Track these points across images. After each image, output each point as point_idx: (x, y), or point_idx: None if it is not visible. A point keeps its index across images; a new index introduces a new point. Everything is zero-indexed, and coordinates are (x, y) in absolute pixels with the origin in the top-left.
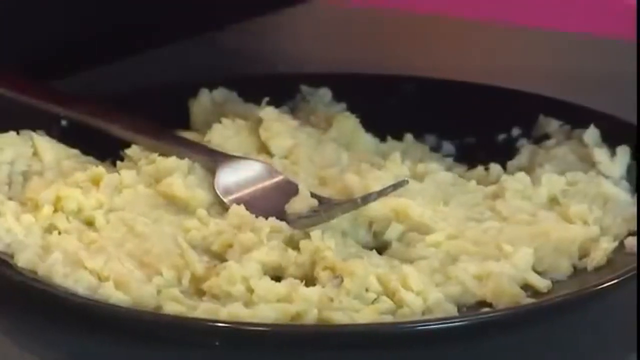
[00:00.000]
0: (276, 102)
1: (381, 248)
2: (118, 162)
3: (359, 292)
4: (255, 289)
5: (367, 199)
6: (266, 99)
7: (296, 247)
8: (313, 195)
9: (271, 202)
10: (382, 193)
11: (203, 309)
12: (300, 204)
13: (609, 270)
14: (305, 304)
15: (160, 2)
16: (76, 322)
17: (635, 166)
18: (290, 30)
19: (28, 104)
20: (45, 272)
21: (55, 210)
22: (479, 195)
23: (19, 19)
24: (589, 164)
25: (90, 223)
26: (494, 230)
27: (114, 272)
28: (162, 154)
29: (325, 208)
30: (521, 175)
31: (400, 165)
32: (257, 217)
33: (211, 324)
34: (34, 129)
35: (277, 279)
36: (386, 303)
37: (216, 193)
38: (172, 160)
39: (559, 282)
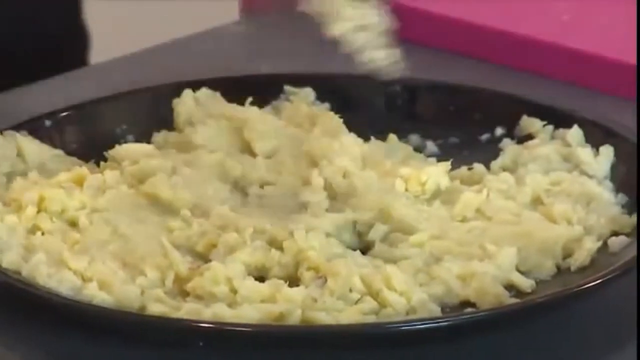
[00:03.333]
0: (260, 102)
1: (365, 248)
2: (102, 163)
3: (343, 292)
4: (239, 290)
5: None
6: (250, 99)
7: (280, 248)
8: None
9: None
10: None
11: (187, 310)
12: None
13: (592, 271)
14: (289, 304)
15: None
16: (60, 322)
17: (618, 165)
18: (273, 30)
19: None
20: (29, 273)
21: (39, 211)
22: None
23: None
24: (573, 164)
25: (73, 224)
26: (478, 230)
27: (98, 272)
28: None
29: None
30: (505, 175)
31: None
32: None
33: (195, 324)
34: (17, 130)
35: (261, 279)
36: (370, 303)
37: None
38: (156, 161)
39: (542, 282)
